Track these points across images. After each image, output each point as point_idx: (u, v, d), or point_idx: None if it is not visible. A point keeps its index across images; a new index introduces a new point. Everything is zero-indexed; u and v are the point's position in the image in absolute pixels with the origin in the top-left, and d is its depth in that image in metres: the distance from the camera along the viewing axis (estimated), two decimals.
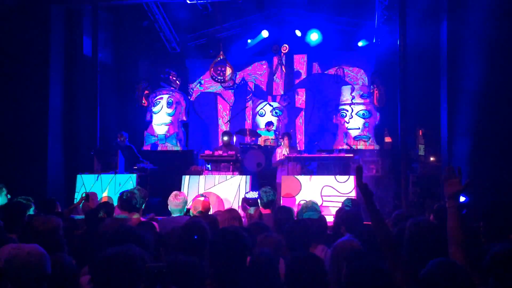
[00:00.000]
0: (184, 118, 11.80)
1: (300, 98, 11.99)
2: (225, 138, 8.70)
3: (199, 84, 12.43)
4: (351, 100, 11.09)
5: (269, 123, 10.30)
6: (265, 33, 11.50)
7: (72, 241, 3.31)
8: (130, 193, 4.54)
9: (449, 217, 2.51)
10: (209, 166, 8.30)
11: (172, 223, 4.14)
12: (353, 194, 7.02)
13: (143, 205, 4.58)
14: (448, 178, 2.54)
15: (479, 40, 6.97)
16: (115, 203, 5.24)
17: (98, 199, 6.65)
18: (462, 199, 5.71)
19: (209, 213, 4.81)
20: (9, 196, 5.59)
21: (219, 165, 8.20)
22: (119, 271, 2.03)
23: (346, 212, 4.00)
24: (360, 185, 2.48)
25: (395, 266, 2.26)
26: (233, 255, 2.36)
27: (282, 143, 8.80)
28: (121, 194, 4.63)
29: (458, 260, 2.34)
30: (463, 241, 2.44)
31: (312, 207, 4.31)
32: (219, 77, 11.42)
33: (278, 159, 8.62)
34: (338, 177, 7.29)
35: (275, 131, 10.69)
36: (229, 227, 2.60)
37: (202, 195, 6.58)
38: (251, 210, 4.62)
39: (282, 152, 8.57)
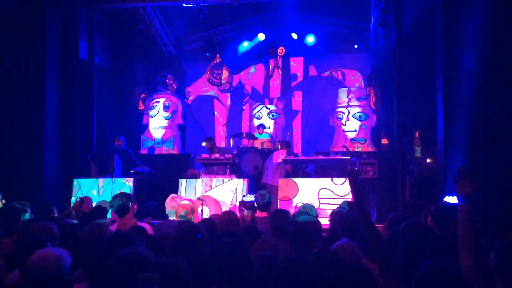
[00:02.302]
0: (181, 122, 11.80)
1: (297, 100, 12.00)
2: (203, 144, 8.71)
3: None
4: (348, 102, 11.10)
5: (260, 126, 10.28)
6: (261, 36, 11.51)
7: (66, 246, 3.29)
8: (112, 200, 4.60)
9: (459, 220, 2.46)
10: (206, 169, 8.30)
11: (168, 227, 4.13)
12: (350, 197, 7.02)
13: (130, 204, 4.59)
14: (459, 180, 2.50)
15: (474, 42, 6.99)
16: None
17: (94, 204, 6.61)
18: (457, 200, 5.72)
19: (193, 216, 4.79)
20: (4, 201, 5.57)
21: (216, 168, 8.20)
22: (131, 272, 2.04)
23: (342, 214, 3.99)
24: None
25: (386, 270, 2.24)
26: (235, 270, 2.34)
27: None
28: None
29: (467, 264, 2.31)
30: (474, 246, 2.39)
31: (308, 210, 4.30)
32: (216, 80, 11.43)
33: (273, 161, 8.59)
34: (335, 179, 7.30)
35: (271, 134, 10.69)
36: (229, 241, 2.58)
37: (199, 199, 6.60)
38: (245, 213, 4.61)
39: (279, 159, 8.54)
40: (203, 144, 8.77)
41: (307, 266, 2.30)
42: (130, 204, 4.55)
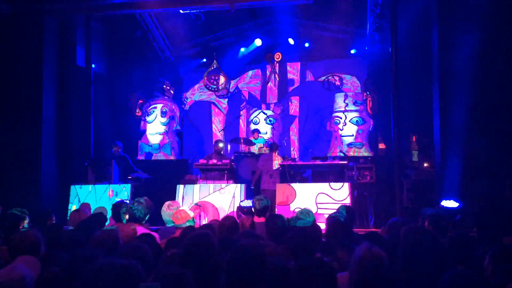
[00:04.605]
0: (178, 127, 11.81)
1: (294, 105, 12.03)
2: (221, 145, 8.75)
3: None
4: (345, 107, 11.15)
5: (255, 130, 10.31)
6: (258, 42, 11.56)
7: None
8: (135, 203, 4.44)
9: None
10: (203, 175, 8.31)
11: (167, 233, 4.13)
12: (347, 201, 7.04)
13: (147, 216, 4.46)
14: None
15: (470, 46, 7.03)
16: (109, 214, 5.21)
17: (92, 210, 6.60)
18: (455, 204, 5.75)
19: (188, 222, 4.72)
20: (1, 207, 5.56)
21: (214, 174, 8.20)
22: (112, 283, 1.99)
23: (333, 219, 3.98)
24: None
25: None
26: (251, 273, 2.30)
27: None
28: (114, 205, 4.58)
29: None
30: None
31: (306, 215, 4.30)
32: (212, 86, 11.46)
33: (274, 168, 8.58)
34: (332, 184, 7.31)
35: (267, 139, 10.70)
36: (247, 243, 2.50)
37: (197, 204, 6.60)
38: (244, 218, 4.60)
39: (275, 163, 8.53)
40: (220, 145, 8.85)
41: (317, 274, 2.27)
42: (147, 217, 4.44)
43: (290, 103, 12.06)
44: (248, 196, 7.35)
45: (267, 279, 2.36)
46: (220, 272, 2.56)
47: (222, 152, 8.78)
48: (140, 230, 4.29)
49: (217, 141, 9.10)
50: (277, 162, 8.47)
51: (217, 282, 2.54)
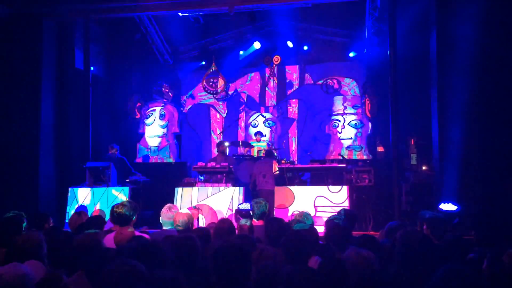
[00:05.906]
0: (177, 130, 11.81)
1: (293, 108, 12.04)
2: (227, 144, 8.81)
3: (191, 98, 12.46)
4: (343, 110, 11.15)
5: (258, 133, 10.30)
6: (257, 45, 11.57)
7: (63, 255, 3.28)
8: (120, 206, 4.46)
9: None
10: (202, 177, 8.30)
11: (163, 237, 4.11)
12: (346, 204, 7.04)
13: (134, 217, 4.50)
14: None
15: (468, 49, 7.05)
16: (108, 217, 5.19)
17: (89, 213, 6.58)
18: (453, 207, 5.75)
19: (190, 225, 4.69)
20: None
21: (212, 176, 8.20)
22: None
23: (332, 223, 3.97)
24: None
25: None
26: (236, 270, 2.35)
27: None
28: (112, 207, 4.56)
29: None
30: None
31: (304, 218, 4.30)
32: (211, 89, 11.46)
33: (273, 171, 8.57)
34: (331, 187, 7.31)
35: (267, 142, 10.70)
36: (232, 241, 2.57)
37: (195, 207, 6.59)
38: (242, 221, 4.58)
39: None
40: (226, 144, 8.93)
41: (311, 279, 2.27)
42: (134, 217, 4.44)
43: (288, 106, 12.06)
44: (246, 199, 7.34)
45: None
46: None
47: (227, 153, 8.84)
48: (136, 233, 4.28)
49: (221, 142, 9.13)
50: (274, 166, 8.49)
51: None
